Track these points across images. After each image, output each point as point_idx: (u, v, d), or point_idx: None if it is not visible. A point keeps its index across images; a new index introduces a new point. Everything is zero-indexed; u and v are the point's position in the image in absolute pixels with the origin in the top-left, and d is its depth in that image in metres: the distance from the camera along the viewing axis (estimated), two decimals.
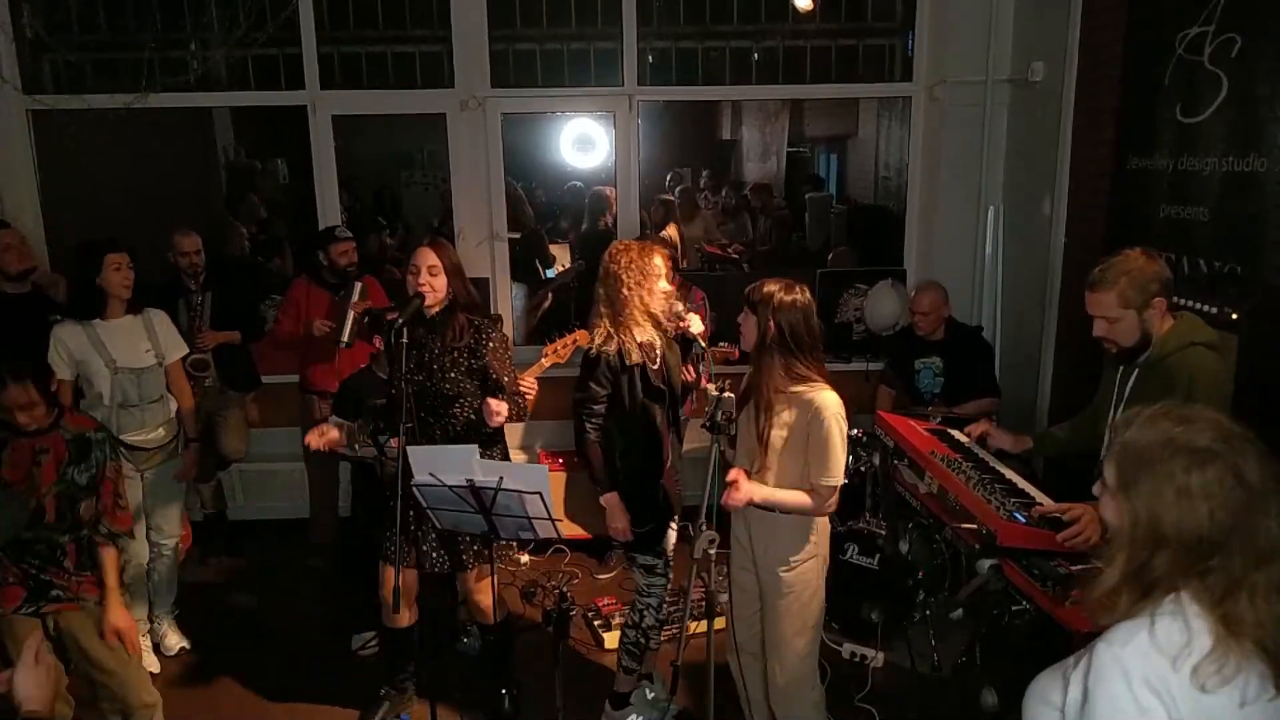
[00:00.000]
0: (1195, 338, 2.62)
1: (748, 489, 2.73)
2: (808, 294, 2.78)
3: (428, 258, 3.16)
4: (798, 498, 2.75)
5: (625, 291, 3.19)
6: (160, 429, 3.80)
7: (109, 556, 3.04)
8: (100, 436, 3.06)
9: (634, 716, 3.44)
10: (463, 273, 3.27)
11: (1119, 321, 2.62)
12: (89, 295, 3.62)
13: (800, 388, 2.73)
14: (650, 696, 3.52)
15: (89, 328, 3.62)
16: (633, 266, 3.20)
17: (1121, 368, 2.76)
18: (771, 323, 2.72)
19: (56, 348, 3.59)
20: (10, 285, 4.13)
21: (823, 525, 2.86)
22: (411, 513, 3.14)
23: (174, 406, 3.91)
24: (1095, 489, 1.53)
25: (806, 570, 2.82)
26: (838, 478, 2.70)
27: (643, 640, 3.39)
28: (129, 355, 3.68)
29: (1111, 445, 1.49)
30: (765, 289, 2.77)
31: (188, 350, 4.00)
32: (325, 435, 3.36)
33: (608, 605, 4.26)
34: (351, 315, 4.33)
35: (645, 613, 3.37)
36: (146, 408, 3.73)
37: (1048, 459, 3.81)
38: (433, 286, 3.16)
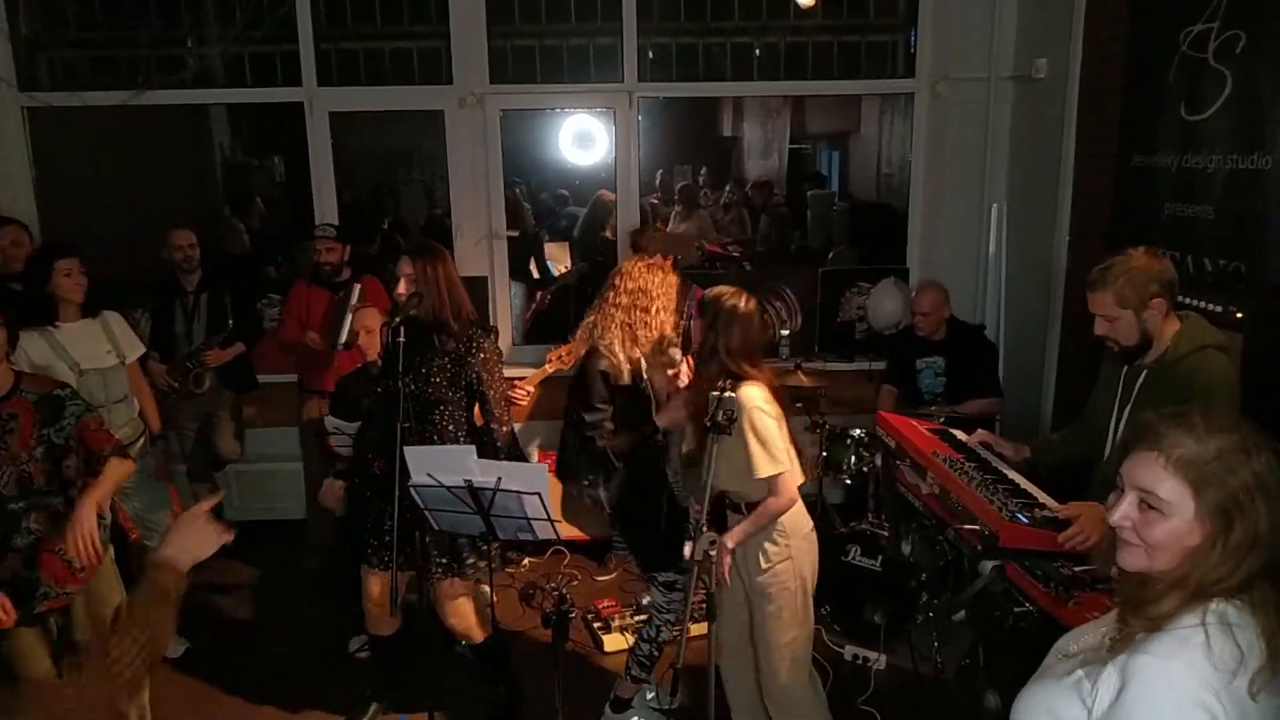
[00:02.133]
0: (1207, 340, 2.60)
1: (727, 542, 2.78)
2: (753, 303, 2.87)
3: (405, 267, 3.18)
4: (752, 517, 2.79)
5: (653, 312, 3.27)
6: (125, 428, 3.79)
7: (110, 467, 2.96)
8: (68, 393, 2.99)
9: (635, 719, 3.43)
10: (453, 279, 3.22)
11: (1118, 321, 2.62)
12: (41, 301, 3.63)
13: (732, 385, 2.75)
14: (650, 697, 3.51)
15: (47, 334, 3.61)
16: (666, 285, 3.30)
17: (1126, 368, 2.74)
18: (712, 329, 2.79)
19: (18, 355, 3.54)
20: (16, 282, 4.09)
21: (793, 525, 2.86)
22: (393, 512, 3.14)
23: (138, 406, 3.90)
24: (1122, 509, 1.42)
25: (782, 573, 2.85)
26: (767, 468, 2.72)
27: (656, 653, 3.39)
28: (92, 357, 3.69)
29: (1152, 463, 1.39)
30: (712, 293, 2.88)
31: (144, 350, 4.00)
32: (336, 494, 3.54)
33: (607, 607, 4.24)
34: (350, 317, 4.30)
35: (663, 628, 3.36)
36: (112, 408, 3.73)
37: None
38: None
